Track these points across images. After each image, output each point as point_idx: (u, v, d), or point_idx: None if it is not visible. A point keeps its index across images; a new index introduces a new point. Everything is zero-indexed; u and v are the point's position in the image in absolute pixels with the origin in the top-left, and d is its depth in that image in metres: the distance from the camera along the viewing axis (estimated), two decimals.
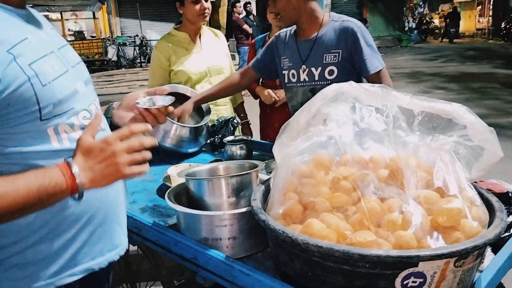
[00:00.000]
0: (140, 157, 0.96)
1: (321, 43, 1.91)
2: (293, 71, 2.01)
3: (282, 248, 0.95)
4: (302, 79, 1.99)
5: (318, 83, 1.94)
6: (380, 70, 1.89)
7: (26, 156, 0.93)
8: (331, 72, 1.92)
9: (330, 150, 1.11)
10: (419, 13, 23.22)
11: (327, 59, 1.91)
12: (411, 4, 22.40)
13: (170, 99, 1.22)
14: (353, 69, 1.92)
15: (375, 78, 1.89)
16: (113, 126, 1.25)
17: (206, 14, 2.43)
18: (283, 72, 2.06)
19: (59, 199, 0.90)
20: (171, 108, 1.25)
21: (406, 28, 21.65)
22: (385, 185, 0.96)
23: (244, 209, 1.16)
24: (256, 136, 2.85)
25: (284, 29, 2.11)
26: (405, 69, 12.20)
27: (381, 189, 0.94)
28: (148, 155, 0.99)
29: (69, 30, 15.63)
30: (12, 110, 0.88)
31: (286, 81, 2.06)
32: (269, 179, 1.18)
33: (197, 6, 2.38)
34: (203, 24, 2.57)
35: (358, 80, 1.97)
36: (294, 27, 2.04)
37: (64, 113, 0.97)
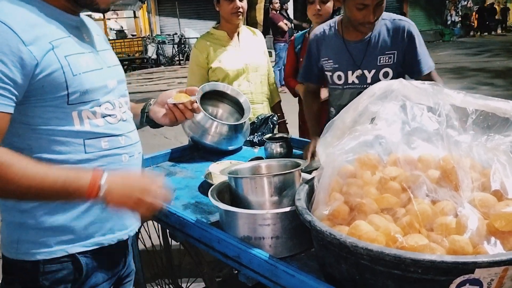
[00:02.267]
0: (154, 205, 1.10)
1: (375, 45, 1.82)
2: (339, 73, 1.92)
3: (328, 250, 0.93)
4: (350, 81, 1.90)
5: (370, 86, 1.86)
6: (432, 70, 1.82)
7: (51, 132, 1.09)
8: (386, 74, 1.84)
9: (377, 150, 1.08)
10: (462, 6, 22.38)
11: (381, 61, 1.83)
12: None
13: (196, 96, 1.37)
14: (403, 70, 1.84)
15: (427, 79, 1.81)
16: (149, 120, 1.43)
17: (239, 13, 2.42)
18: (326, 73, 1.98)
19: (78, 200, 1.05)
20: (195, 105, 1.38)
21: (449, 22, 20.92)
22: (438, 187, 0.92)
23: (287, 209, 1.14)
24: (295, 134, 2.83)
25: (319, 28, 2.01)
26: (447, 65, 11.79)
27: (434, 191, 0.90)
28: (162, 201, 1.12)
29: (110, 29, 16.10)
30: (45, 91, 1.04)
31: (329, 82, 1.98)
32: (313, 178, 1.16)
33: (231, 5, 2.39)
34: (240, 23, 2.57)
35: None
36: (334, 24, 1.95)
37: (89, 101, 1.12)
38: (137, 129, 1.37)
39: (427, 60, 1.81)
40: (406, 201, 0.95)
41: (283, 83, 9.45)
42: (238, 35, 2.56)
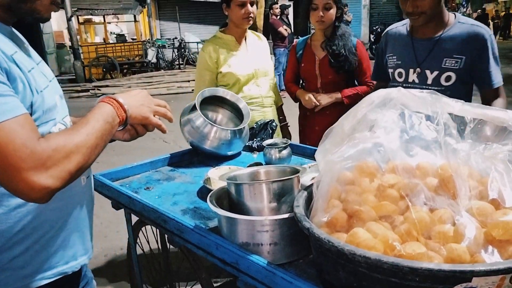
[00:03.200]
0: (163, 110, 1.23)
1: (443, 45, 1.77)
2: (400, 69, 1.87)
3: (326, 257, 0.93)
4: (410, 80, 1.85)
5: (430, 87, 1.78)
6: (500, 85, 1.76)
7: None
8: (448, 78, 1.77)
9: (376, 157, 1.08)
10: (461, 13, 22.54)
11: (447, 64, 1.76)
12: (453, 4, 21.74)
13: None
14: (471, 79, 1.78)
15: (493, 94, 1.74)
16: None
17: (250, 18, 2.44)
18: (389, 70, 1.93)
19: (115, 128, 1.06)
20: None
21: None
22: (436, 195, 0.93)
23: (286, 215, 1.15)
24: (294, 139, 2.83)
25: (394, 25, 1.99)
26: None
27: (432, 199, 0.91)
28: (169, 114, 1.26)
29: (111, 33, 16.12)
30: None
31: (391, 80, 1.94)
32: (311, 185, 1.16)
33: (243, 10, 2.40)
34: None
35: (469, 92, 1.82)
36: (408, 22, 1.90)
37: (48, 121, 1.03)
38: None
39: (497, 74, 1.75)
40: (404, 209, 0.95)
41: (283, 87, 9.45)
42: (245, 39, 2.58)
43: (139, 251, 1.99)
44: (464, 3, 22.58)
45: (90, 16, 15.03)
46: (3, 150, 0.81)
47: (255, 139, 2.29)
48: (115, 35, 16.03)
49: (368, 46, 14.11)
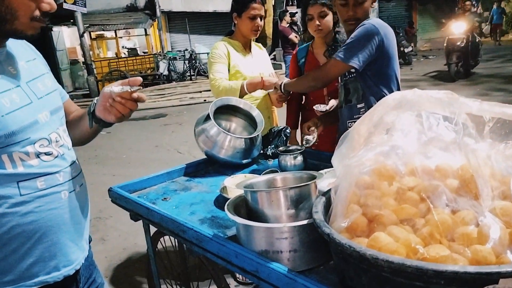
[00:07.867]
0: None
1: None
2: None
3: (348, 262, 0.92)
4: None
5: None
6: (337, 59, 2.00)
7: None
8: None
9: (394, 160, 1.07)
10: (472, 13, 22.31)
11: None
12: (463, 4, 21.57)
13: (137, 87, 1.23)
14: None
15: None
16: (97, 120, 1.30)
17: (258, 31, 2.59)
18: None
19: None
20: (135, 95, 1.24)
21: None
22: (457, 196, 0.91)
23: (305, 222, 1.14)
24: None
25: None
26: None
27: (454, 200, 0.89)
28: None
29: (123, 47, 16.34)
30: None
31: None
32: (329, 190, 1.16)
33: (253, 23, 2.55)
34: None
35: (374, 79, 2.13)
36: None
37: (18, 142, 1.08)
38: (90, 131, 1.35)
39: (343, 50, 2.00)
40: (425, 211, 0.94)
41: None
42: (250, 47, 2.69)
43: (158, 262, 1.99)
44: (474, 2, 22.36)
45: (102, 32, 15.27)
46: None
47: (269, 147, 2.29)
48: (127, 49, 16.25)
49: None
